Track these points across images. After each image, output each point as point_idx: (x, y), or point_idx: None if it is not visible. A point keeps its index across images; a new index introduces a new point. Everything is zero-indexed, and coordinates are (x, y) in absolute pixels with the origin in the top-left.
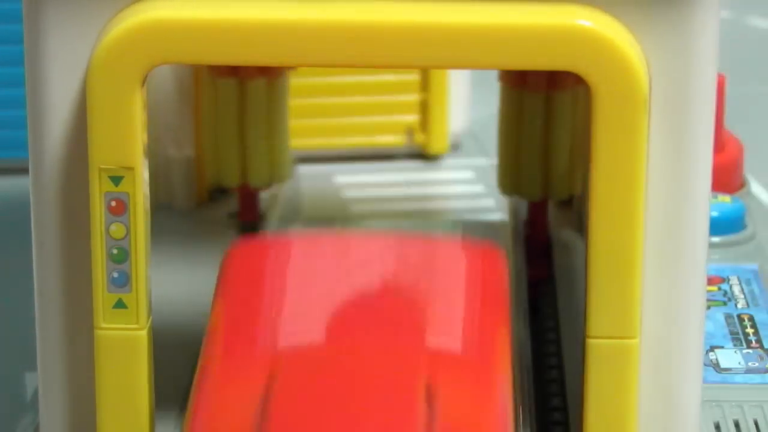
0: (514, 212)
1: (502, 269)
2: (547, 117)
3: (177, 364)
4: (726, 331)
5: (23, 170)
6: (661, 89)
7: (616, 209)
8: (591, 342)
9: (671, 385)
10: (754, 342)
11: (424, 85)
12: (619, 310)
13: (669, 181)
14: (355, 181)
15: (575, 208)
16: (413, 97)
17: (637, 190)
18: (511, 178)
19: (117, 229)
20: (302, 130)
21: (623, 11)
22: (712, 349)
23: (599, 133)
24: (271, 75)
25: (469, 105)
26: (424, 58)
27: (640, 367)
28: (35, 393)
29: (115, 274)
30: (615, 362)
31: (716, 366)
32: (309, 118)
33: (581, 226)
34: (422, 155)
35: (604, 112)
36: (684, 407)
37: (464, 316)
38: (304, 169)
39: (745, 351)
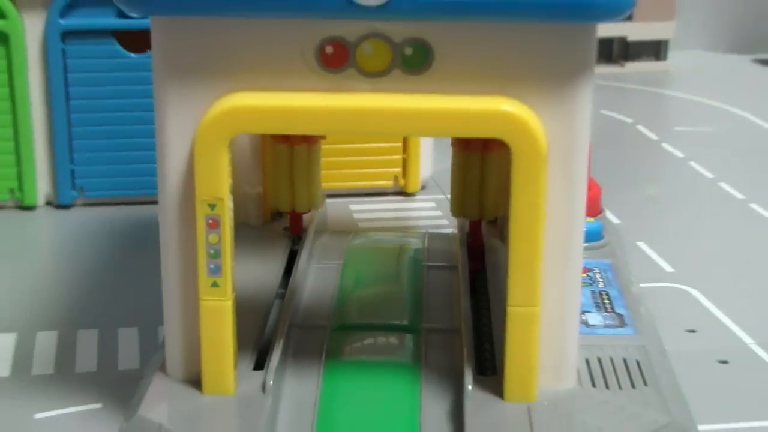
0: (460, 228)
1: None
2: (483, 168)
3: (248, 326)
4: (592, 301)
5: (153, 201)
6: (555, 150)
7: (526, 226)
8: (510, 309)
9: (560, 337)
10: (609, 308)
11: (405, 148)
12: (528, 288)
13: (560, 208)
14: (361, 209)
15: (499, 225)
16: (397, 156)
17: (539, 214)
18: (459, 206)
19: (213, 238)
20: (327, 176)
21: (530, 99)
22: (584, 312)
23: (516, 178)
24: (310, 142)
25: (432, 160)
26: (403, 129)
27: (540, 325)
28: (163, 340)
29: (212, 266)
30: (525, 322)
31: (586, 323)
32: (331, 169)
33: (503, 236)
34: (403, 193)
35: (519, 164)
36: (568, 350)
37: None
38: (330, 201)
39: (603, 314)
